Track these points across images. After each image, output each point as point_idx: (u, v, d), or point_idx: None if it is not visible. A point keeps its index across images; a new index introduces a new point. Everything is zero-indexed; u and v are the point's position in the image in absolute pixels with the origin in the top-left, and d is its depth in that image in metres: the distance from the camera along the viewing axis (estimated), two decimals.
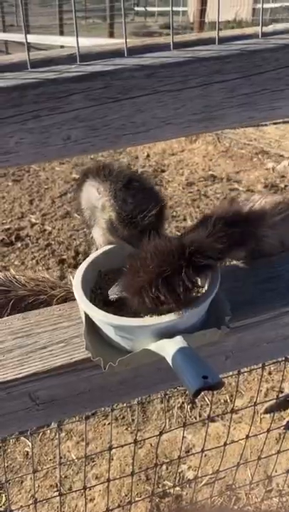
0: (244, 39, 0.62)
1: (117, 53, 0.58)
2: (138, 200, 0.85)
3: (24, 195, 4.28)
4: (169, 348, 0.69)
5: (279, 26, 0.67)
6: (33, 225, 3.75)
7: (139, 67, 0.55)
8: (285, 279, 0.90)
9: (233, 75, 0.58)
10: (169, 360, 0.68)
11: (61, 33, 9.25)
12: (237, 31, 0.65)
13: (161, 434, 1.16)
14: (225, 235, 0.76)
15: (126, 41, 0.57)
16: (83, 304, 0.76)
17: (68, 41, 7.37)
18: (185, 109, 0.59)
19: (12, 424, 0.84)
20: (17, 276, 1.16)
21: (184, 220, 3.71)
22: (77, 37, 0.55)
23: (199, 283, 0.81)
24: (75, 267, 3.16)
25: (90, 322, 0.77)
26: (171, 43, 0.59)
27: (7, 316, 1.02)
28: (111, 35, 7.67)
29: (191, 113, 0.59)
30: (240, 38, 0.62)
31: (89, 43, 6.51)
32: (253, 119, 0.62)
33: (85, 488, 1.18)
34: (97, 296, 0.84)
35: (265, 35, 0.62)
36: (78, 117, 0.55)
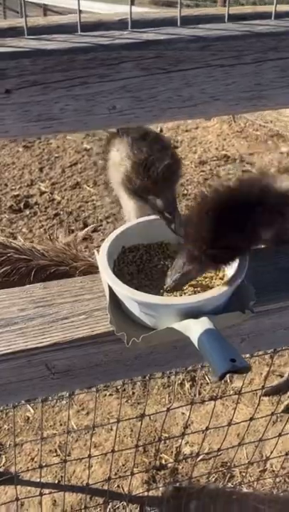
0: None
1: (169, 22, 0.56)
2: (153, 151, 0.88)
3: (34, 162, 4.24)
4: (194, 329, 0.69)
5: None
6: (42, 193, 3.72)
7: (194, 39, 0.52)
8: None
9: (288, 54, 0.56)
10: (195, 340, 0.68)
11: None
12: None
13: (168, 410, 1.17)
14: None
15: (180, 9, 0.54)
16: (108, 278, 0.76)
17: (87, 5, 7.15)
18: (235, 86, 0.57)
19: (26, 391, 0.84)
20: (36, 246, 1.16)
21: (195, 199, 3.68)
22: (130, 7, 0.52)
23: (226, 271, 0.81)
24: (83, 238, 3.15)
25: (113, 296, 0.77)
26: (226, 15, 0.56)
27: (29, 284, 1.02)
28: (132, 1, 7.42)
29: (241, 90, 0.57)
30: None
31: (107, 8, 6.31)
32: None
33: (90, 456, 1.20)
34: (120, 271, 0.84)
35: None
36: (126, 87, 0.53)
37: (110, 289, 0.76)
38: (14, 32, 0.52)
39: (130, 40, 0.51)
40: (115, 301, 0.77)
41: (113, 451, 1.20)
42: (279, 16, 0.59)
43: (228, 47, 0.53)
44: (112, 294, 0.76)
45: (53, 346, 0.75)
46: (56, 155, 4.41)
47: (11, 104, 0.51)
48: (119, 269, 0.84)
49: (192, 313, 0.72)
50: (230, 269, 0.80)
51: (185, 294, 0.80)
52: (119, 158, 0.94)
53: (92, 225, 2.84)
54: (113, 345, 0.77)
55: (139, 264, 0.86)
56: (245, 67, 0.55)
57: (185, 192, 3.77)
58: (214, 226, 0.71)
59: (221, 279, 0.83)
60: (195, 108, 0.57)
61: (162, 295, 0.79)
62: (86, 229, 2.73)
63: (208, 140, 4.89)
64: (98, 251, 0.83)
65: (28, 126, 0.53)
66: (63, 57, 0.49)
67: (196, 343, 0.68)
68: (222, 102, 0.57)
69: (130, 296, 0.73)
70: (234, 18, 0.57)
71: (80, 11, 0.53)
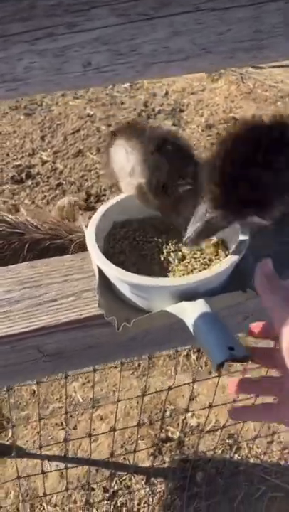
0: None
1: None
2: (172, 166, 0.73)
3: (36, 130, 4.12)
4: (190, 312, 0.63)
5: None
6: (44, 162, 3.63)
7: None
8: None
9: None
10: (190, 325, 0.62)
11: None
12: None
13: (170, 389, 1.14)
14: None
15: None
16: (96, 257, 0.70)
17: None
18: (230, 35, 0.48)
19: (17, 374, 0.80)
20: (29, 219, 1.10)
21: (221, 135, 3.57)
22: None
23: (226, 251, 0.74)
24: (86, 209, 3.08)
25: (103, 276, 0.71)
26: None
27: (22, 259, 0.97)
28: None
29: (237, 40, 0.49)
30: None
31: None
32: None
33: (90, 435, 1.18)
34: (112, 248, 0.78)
35: None
36: (101, 38, 0.45)
37: (99, 268, 0.70)
38: None
39: None
40: (105, 281, 0.71)
41: (114, 429, 1.18)
42: None
43: None
44: (102, 274, 0.71)
45: (39, 331, 0.70)
46: (58, 122, 4.27)
47: None
48: (111, 246, 0.78)
49: (187, 294, 0.66)
50: (231, 244, 0.73)
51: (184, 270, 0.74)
52: (130, 167, 0.79)
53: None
54: (103, 328, 0.72)
55: (132, 241, 0.79)
56: (242, 11, 0.47)
57: None
58: (243, 165, 0.61)
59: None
60: (185, 62, 0.49)
61: (157, 273, 0.73)
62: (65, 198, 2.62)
63: (215, 102, 4.70)
64: (87, 226, 0.76)
65: None
66: (22, 4, 0.41)
67: (191, 328, 0.62)
68: (215, 54, 0.49)
69: (120, 278, 0.67)
70: None
71: None
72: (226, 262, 0.68)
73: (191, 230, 0.69)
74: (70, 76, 0.47)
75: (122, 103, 4.75)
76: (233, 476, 1.69)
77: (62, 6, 0.42)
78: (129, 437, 1.81)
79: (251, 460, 1.74)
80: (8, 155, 3.74)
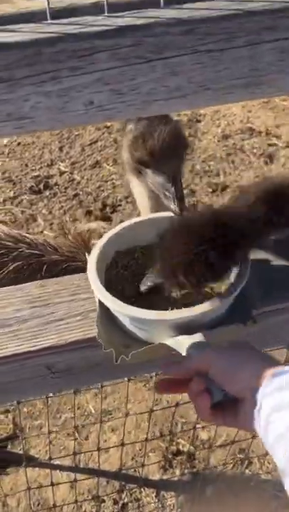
0: None
1: (152, 3, 0.50)
2: (153, 124, 0.86)
3: (54, 141, 4.19)
4: (188, 347, 0.64)
5: None
6: (62, 173, 3.68)
7: (175, 22, 0.46)
8: None
9: (287, 33, 0.49)
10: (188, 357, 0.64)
11: None
12: None
13: (177, 405, 1.15)
14: (267, 208, 0.68)
15: None
16: (96, 289, 0.71)
17: None
18: (227, 73, 0.50)
19: (27, 390, 0.83)
20: (49, 240, 1.13)
21: (217, 175, 3.58)
22: None
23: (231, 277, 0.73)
24: (102, 219, 3.12)
25: (103, 306, 0.72)
26: None
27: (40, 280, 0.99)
28: None
29: (234, 77, 0.51)
30: None
31: None
32: None
33: (99, 449, 1.20)
34: (114, 276, 0.78)
35: None
36: (102, 79, 0.48)
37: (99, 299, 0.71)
38: None
39: (103, 27, 0.46)
40: (106, 310, 0.72)
41: (122, 444, 1.19)
42: None
43: (217, 29, 0.47)
44: (102, 304, 0.71)
45: (46, 350, 0.72)
46: (76, 133, 4.33)
47: None
48: (114, 274, 0.78)
49: (187, 327, 0.66)
50: (232, 275, 0.72)
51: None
52: (128, 129, 0.93)
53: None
54: None
55: (134, 270, 0.79)
56: (238, 51, 0.49)
57: (207, 168, 3.66)
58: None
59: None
60: (184, 99, 0.51)
61: (157, 304, 0.72)
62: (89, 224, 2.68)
63: (232, 112, 4.70)
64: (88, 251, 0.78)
65: None
66: (28, 51, 0.44)
67: None
68: (214, 91, 0.51)
69: (119, 311, 0.68)
70: None
71: None
72: (226, 295, 0.68)
73: (142, 287, 0.70)
74: (73, 114, 0.50)
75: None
76: (244, 491, 1.69)
77: (66, 52, 0.45)
78: (140, 449, 1.82)
79: (262, 476, 1.73)
80: (27, 165, 3.81)
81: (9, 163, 3.90)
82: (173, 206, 0.83)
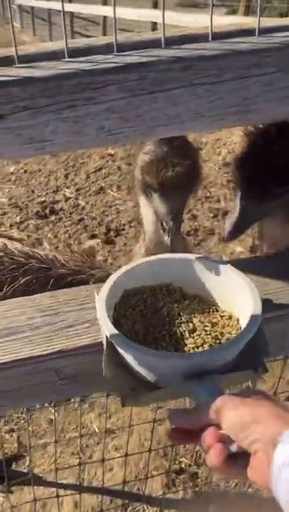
0: (286, 31, 0.60)
1: (155, 43, 0.58)
2: (171, 154, 0.83)
3: (60, 168, 4.33)
4: (199, 393, 0.62)
5: None
6: (67, 199, 3.80)
7: (175, 60, 0.54)
8: None
9: (271, 69, 0.57)
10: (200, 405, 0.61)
11: (104, 3, 9.10)
12: (280, 21, 0.63)
13: None
14: None
15: (164, 32, 0.56)
16: (106, 330, 0.69)
17: (110, 11, 7.27)
18: (220, 103, 0.58)
19: (37, 395, 0.88)
20: (58, 256, 1.20)
21: (218, 201, 3.68)
22: (115, 31, 0.55)
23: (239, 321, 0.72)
24: (106, 242, 3.19)
25: (111, 345, 0.70)
26: (210, 34, 0.58)
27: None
28: (155, 5, 7.47)
29: (226, 106, 0.59)
30: (281, 30, 0.61)
31: (134, 12, 6.38)
32: None
33: (103, 459, 1.23)
34: (123, 316, 0.77)
35: None
36: (112, 108, 0.56)
37: (108, 337, 0.70)
38: (8, 60, 0.56)
39: (113, 64, 0.54)
40: (112, 349, 0.70)
41: (127, 455, 1.23)
42: (266, 31, 0.60)
43: (210, 66, 0.55)
44: (110, 343, 0.70)
45: (57, 354, 0.78)
46: (81, 161, 4.48)
47: (4, 128, 0.54)
48: (122, 313, 0.77)
49: (196, 371, 0.64)
50: (243, 319, 0.72)
51: (196, 345, 0.71)
52: (146, 158, 0.91)
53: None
54: None
55: (142, 309, 0.78)
56: (228, 84, 0.57)
57: (208, 194, 3.76)
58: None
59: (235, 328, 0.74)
60: (182, 125, 0.59)
61: (168, 345, 0.71)
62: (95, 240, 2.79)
63: (232, 141, 4.86)
64: (98, 292, 0.77)
65: (21, 149, 0.56)
66: (50, 84, 0.52)
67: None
68: (208, 118, 0.59)
69: (127, 351, 0.67)
70: (218, 36, 0.59)
71: (67, 36, 0.56)
72: (237, 339, 0.66)
73: (228, 224, 0.74)
74: (87, 138, 0.57)
75: (142, 142, 4.96)
76: (246, 509, 1.69)
77: (81, 84, 0.53)
78: (143, 468, 1.84)
79: (264, 495, 1.73)
80: (33, 192, 3.93)
81: (16, 189, 4.02)
82: (166, 239, 0.84)
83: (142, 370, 0.68)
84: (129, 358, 0.68)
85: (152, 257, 0.83)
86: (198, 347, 0.70)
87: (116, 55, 0.55)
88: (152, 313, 0.77)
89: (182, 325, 0.74)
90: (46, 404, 2.14)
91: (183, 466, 1.84)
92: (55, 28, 10.42)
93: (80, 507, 1.68)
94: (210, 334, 0.73)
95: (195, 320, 0.75)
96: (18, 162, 4.51)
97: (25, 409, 2.17)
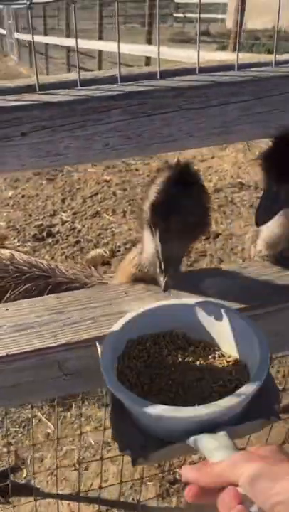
0: (260, 66, 0.73)
1: (152, 76, 0.70)
2: (185, 200, 0.77)
3: (57, 193, 4.46)
4: (211, 448, 0.59)
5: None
6: (63, 222, 3.91)
7: (168, 89, 0.66)
8: None
9: (247, 97, 0.69)
10: (210, 460, 0.58)
11: (100, 37, 9.51)
12: (257, 57, 0.76)
13: None
14: None
15: (159, 67, 0.68)
16: (111, 385, 0.67)
17: (105, 45, 7.62)
18: (206, 124, 0.70)
19: (42, 390, 0.96)
20: (60, 265, 1.29)
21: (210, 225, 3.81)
22: (119, 64, 0.67)
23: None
24: (102, 263, 3.29)
25: (117, 401, 0.68)
26: (197, 68, 0.70)
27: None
28: (148, 41, 7.83)
29: (211, 128, 0.70)
30: (257, 65, 0.73)
31: (129, 47, 6.70)
32: (266, 134, 0.73)
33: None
34: (127, 367, 0.76)
35: (278, 63, 0.73)
36: (116, 128, 0.67)
37: (113, 394, 0.67)
38: (30, 88, 0.67)
39: (117, 92, 0.65)
40: (119, 405, 0.67)
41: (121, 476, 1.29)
42: (244, 66, 0.72)
43: (197, 94, 0.67)
44: (116, 399, 0.67)
45: (63, 346, 0.87)
46: (78, 186, 4.63)
47: (26, 143, 0.65)
48: (126, 365, 0.75)
49: (208, 424, 0.61)
50: (250, 364, 0.71)
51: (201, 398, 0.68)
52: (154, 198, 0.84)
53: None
54: None
55: (146, 359, 0.77)
56: (212, 109, 0.69)
57: None
58: None
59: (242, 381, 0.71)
60: (174, 143, 0.71)
61: (176, 396, 0.70)
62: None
63: (223, 169, 5.05)
64: (100, 343, 0.76)
65: (39, 161, 0.67)
66: (65, 107, 0.64)
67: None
68: (196, 137, 0.71)
69: (134, 407, 0.64)
70: (204, 70, 0.71)
71: (80, 69, 0.67)
72: (246, 390, 0.63)
73: (259, 210, 0.77)
74: (94, 153, 0.68)
75: (137, 170, 5.13)
76: None
77: (91, 108, 0.65)
78: (138, 478, 1.88)
79: None
80: (30, 215, 4.05)
81: (14, 213, 4.14)
82: (161, 280, 0.82)
83: (150, 425, 0.66)
84: (137, 414, 0.66)
85: (154, 305, 0.83)
86: (206, 397, 0.68)
87: (120, 84, 0.67)
88: (157, 363, 0.76)
89: (188, 373, 0.73)
90: (44, 419, 2.19)
91: (177, 476, 1.89)
92: (51, 61, 10.83)
93: None
94: (217, 382, 0.71)
95: (201, 367, 0.74)
96: (16, 187, 4.65)
97: (23, 423, 2.23)
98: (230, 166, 5.12)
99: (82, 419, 2.17)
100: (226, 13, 16.39)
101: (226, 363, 0.76)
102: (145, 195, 0.84)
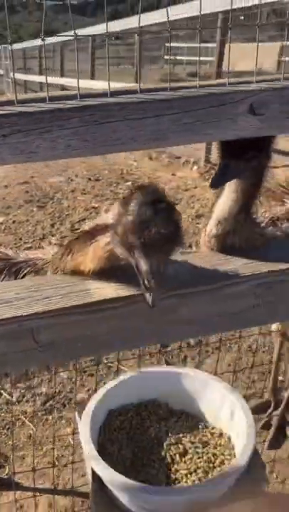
0: (188, 88, 0.95)
1: (104, 95, 0.92)
2: (156, 217, 0.85)
3: (47, 219, 4.68)
4: None
5: (222, 81, 1.00)
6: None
7: (115, 104, 0.88)
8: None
9: (177, 110, 0.91)
10: None
11: (92, 77, 10.06)
12: (187, 83, 0.98)
13: None
14: None
15: (109, 86, 0.90)
16: (93, 462, 0.63)
17: (94, 84, 8.08)
18: (144, 132, 0.91)
19: (18, 362, 1.13)
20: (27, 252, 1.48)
21: (190, 246, 4.02)
22: (78, 81, 0.88)
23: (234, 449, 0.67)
24: None
25: (98, 479, 0.65)
26: (138, 89, 0.92)
27: (4, 279, 1.34)
28: (136, 80, 8.35)
29: (149, 134, 0.92)
30: (186, 88, 0.95)
31: (119, 86, 7.11)
32: (192, 140, 0.95)
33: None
34: (108, 440, 0.74)
35: (202, 86, 0.95)
36: (76, 132, 0.88)
37: (94, 471, 0.64)
38: (11, 102, 0.88)
39: (76, 105, 0.87)
40: (101, 484, 0.64)
41: None
42: (175, 88, 0.95)
43: (137, 108, 0.89)
44: (97, 477, 0.64)
45: (36, 315, 1.05)
46: (67, 213, 4.85)
47: (6, 144, 0.86)
48: (107, 438, 0.73)
49: (195, 503, 0.63)
50: (235, 436, 0.68)
51: (188, 473, 0.65)
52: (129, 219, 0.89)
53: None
54: (81, 316, 1.07)
55: (128, 431, 0.75)
56: (149, 120, 0.90)
57: None
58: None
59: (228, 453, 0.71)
60: (121, 146, 0.91)
61: (158, 472, 0.67)
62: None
63: (205, 197, 5.32)
64: (79, 412, 0.73)
65: (16, 157, 0.87)
66: (36, 116, 0.85)
67: None
68: (137, 141, 0.92)
69: (118, 487, 0.61)
70: (146, 91, 0.93)
71: (49, 86, 0.89)
72: (234, 468, 0.62)
73: (213, 176, 1.02)
74: (58, 152, 0.89)
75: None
76: None
77: (56, 116, 0.86)
78: None
79: None
80: (21, 239, 4.24)
81: (5, 237, 4.34)
82: (147, 296, 0.85)
83: (134, 507, 0.64)
84: (119, 494, 0.63)
85: (136, 373, 0.82)
86: (191, 473, 0.66)
87: (79, 100, 0.89)
88: (139, 435, 0.76)
89: (172, 447, 0.73)
90: (27, 421, 2.31)
91: None
92: None
93: (55, 508, 1.83)
94: (202, 457, 0.70)
95: (185, 440, 0.74)
96: (8, 214, 4.87)
97: (7, 426, 2.34)
98: (212, 194, 5.37)
99: (63, 421, 2.30)
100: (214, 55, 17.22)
101: (210, 435, 0.75)
102: (118, 219, 0.92)
